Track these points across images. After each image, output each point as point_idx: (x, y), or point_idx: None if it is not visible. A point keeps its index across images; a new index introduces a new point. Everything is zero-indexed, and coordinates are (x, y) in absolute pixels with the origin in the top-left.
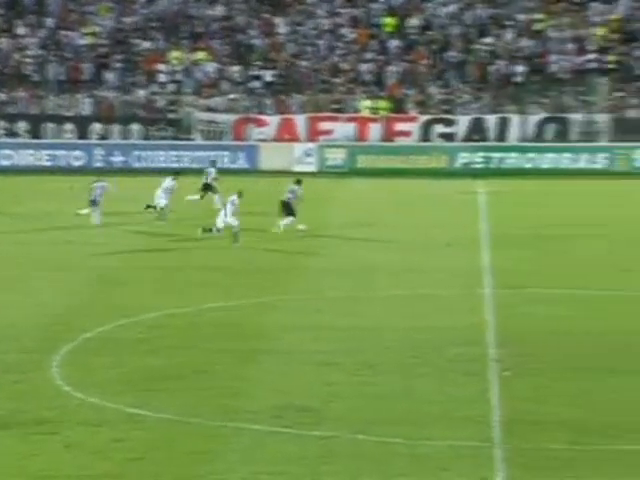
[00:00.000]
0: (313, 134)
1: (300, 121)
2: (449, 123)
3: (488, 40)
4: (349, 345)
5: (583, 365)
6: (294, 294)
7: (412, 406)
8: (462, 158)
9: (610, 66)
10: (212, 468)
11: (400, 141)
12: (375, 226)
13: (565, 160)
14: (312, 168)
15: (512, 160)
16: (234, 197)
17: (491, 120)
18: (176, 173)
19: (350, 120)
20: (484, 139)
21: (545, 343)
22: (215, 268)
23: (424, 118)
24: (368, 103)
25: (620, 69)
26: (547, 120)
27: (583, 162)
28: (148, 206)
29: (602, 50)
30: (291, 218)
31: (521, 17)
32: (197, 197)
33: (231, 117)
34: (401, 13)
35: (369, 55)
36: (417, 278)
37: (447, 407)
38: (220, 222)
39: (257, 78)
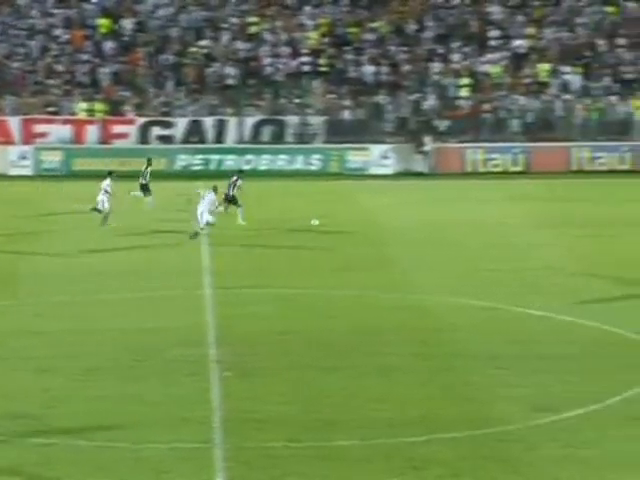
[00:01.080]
0: (28, 137)
1: (14, 123)
2: (167, 125)
3: (204, 43)
4: (70, 350)
5: (301, 363)
6: (13, 299)
7: (134, 409)
8: (181, 160)
9: (323, 69)
10: None
11: (118, 143)
12: (98, 230)
13: (281, 162)
14: (28, 171)
15: (230, 162)
16: (211, 194)
17: (208, 122)
18: (110, 173)
19: (66, 122)
20: (202, 141)
21: (264, 343)
22: None
23: (142, 120)
24: (84, 105)
25: (332, 72)
26: (263, 122)
27: (299, 164)
28: (95, 209)
29: (315, 53)
30: (239, 208)
31: (235, 20)
32: (139, 193)
33: None
34: (115, 14)
35: (84, 56)
36: (141, 280)
37: (169, 409)
38: (208, 217)
39: None
